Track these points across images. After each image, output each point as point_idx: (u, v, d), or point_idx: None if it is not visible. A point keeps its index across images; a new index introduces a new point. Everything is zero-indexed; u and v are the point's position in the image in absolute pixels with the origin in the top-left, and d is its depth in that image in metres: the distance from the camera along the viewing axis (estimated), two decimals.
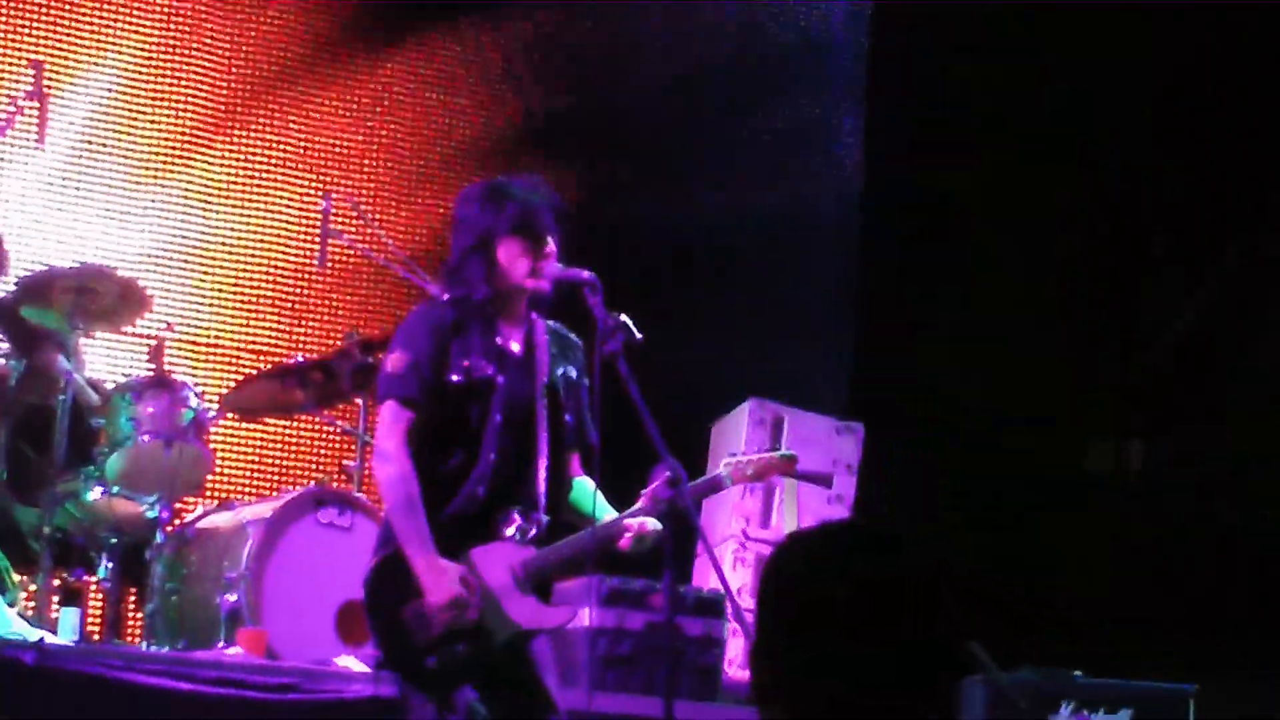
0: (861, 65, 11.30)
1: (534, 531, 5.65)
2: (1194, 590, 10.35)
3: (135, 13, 9.74)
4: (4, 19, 9.45)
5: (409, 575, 5.47)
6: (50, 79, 9.11)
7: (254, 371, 9.04)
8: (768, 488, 9.47)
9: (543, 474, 5.69)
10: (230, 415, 8.72)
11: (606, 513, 5.73)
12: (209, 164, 9.92)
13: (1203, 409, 11.00)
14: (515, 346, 5.74)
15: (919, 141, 11.05)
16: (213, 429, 8.49)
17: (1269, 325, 10.75)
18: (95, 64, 9.70)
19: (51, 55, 9.47)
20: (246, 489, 9.50)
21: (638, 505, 5.63)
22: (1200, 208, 11.03)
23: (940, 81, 10.99)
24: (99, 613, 8.14)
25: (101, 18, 9.67)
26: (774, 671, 2.65)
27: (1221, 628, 10.15)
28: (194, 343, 9.68)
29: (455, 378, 5.61)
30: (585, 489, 5.85)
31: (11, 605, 7.40)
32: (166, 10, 9.80)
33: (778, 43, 11.23)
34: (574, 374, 5.85)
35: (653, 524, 5.58)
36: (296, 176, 10.05)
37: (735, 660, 8.73)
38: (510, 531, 5.62)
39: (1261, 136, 10.49)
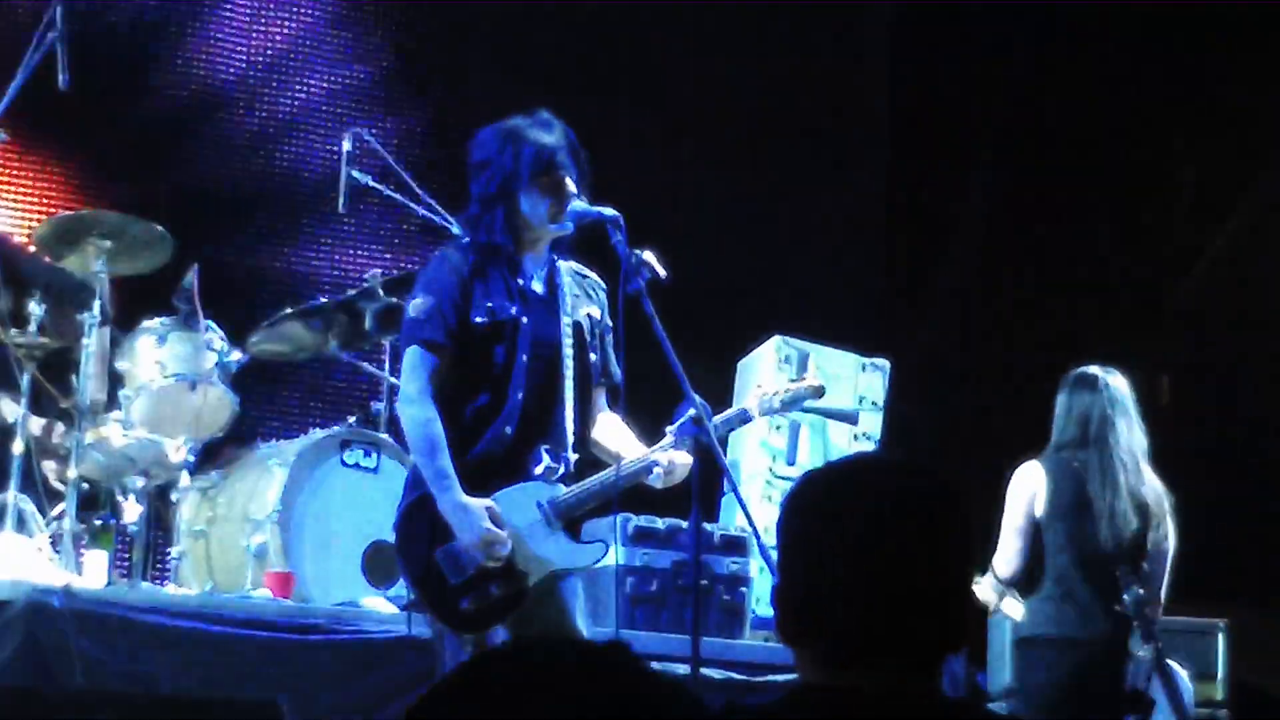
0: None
1: (562, 470, 5.63)
2: (1224, 525, 10.33)
3: None
4: None
5: (438, 518, 5.46)
6: (74, 17, 9.08)
7: (279, 313, 9.00)
8: (793, 425, 9.45)
9: (569, 412, 5.67)
10: (255, 357, 8.70)
11: (634, 449, 5.71)
12: (236, 106, 9.92)
13: (1232, 340, 10.98)
14: (538, 286, 5.71)
15: (945, 77, 11.02)
16: (237, 371, 8.48)
17: None
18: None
19: None
20: (272, 430, 9.49)
21: (664, 441, 5.61)
22: (1230, 136, 10.98)
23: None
24: (126, 556, 8.15)
25: None
26: (798, 608, 2.63)
27: (1252, 563, 10.14)
28: (219, 285, 9.67)
29: (479, 319, 5.58)
30: (612, 426, 5.83)
31: (39, 549, 7.41)
32: None
33: None
34: (598, 313, 5.82)
35: (681, 458, 5.56)
36: (320, 116, 10.04)
37: (762, 598, 8.73)
38: (539, 470, 5.60)
39: None
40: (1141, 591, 6.86)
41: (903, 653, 2.58)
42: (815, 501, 2.67)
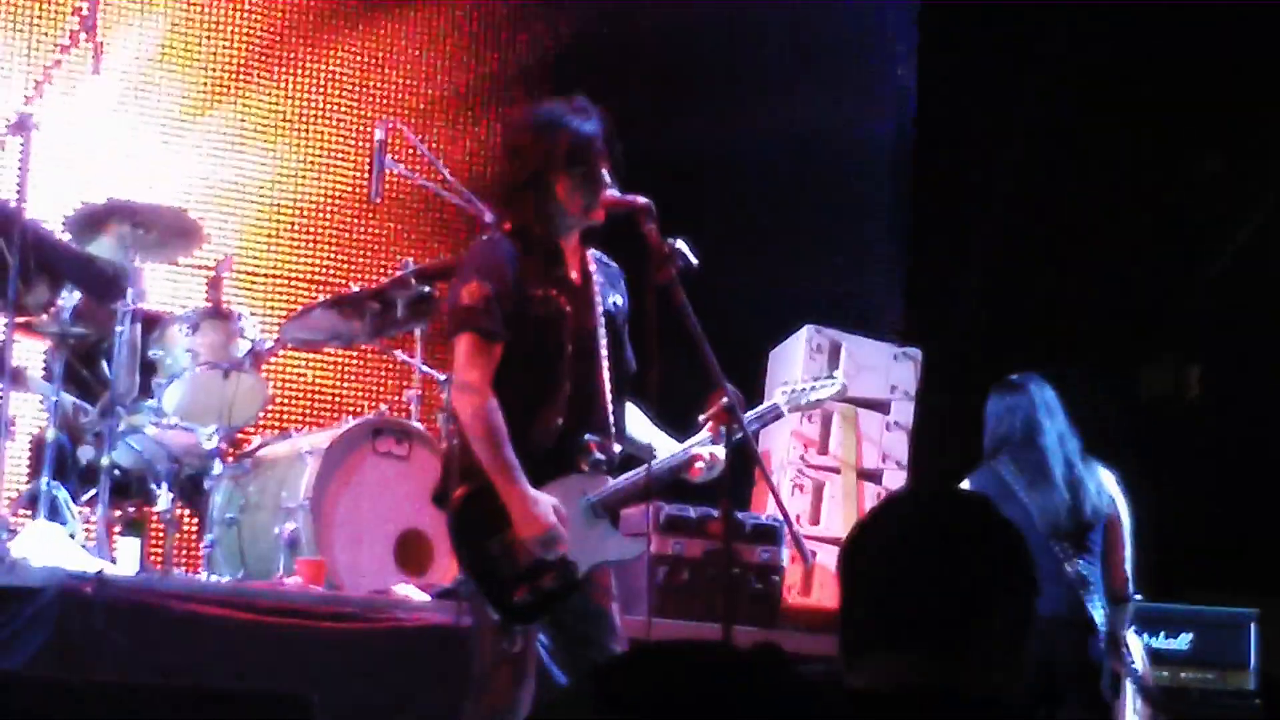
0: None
1: (608, 460, 5.58)
2: (1255, 514, 10.30)
3: None
4: None
5: (495, 508, 5.37)
6: (106, 8, 9.08)
7: (311, 302, 9.01)
8: (825, 414, 9.45)
9: (609, 402, 5.62)
10: (287, 346, 8.72)
11: (659, 438, 5.70)
12: (264, 94, 9.92)
13: (1262, 331, 10.94)
14: (574, 275, 5.67)
15: (972, 64, 11.00)
16: (270, 359, 8.50)
17: None
18: None
19: None
20: (304, 419, 9.51)
21: (703, 434, 5.57)
22: (1255, 121, 10.95)
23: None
24: (159, 543, 8.17)
25: None
26: (861, 640, 2.65)
27: None
28: (251, 274, 9.69)
29: (530, 308, 5.48)
30: (637, 415, 5.80)
31: (72, 536, 7.43)
32: None
33: None
34: (620, 301, 5.78)
35: (722, 452, 5.53)
36: (351, 106, 10.05)
37: (794, 586, 8.73)
38: (587, 462, 5.54)
39: None
40: (1081, 562, 7.18)
41: (915, 649, 2.61)
42: (877, 542, 2.73)
